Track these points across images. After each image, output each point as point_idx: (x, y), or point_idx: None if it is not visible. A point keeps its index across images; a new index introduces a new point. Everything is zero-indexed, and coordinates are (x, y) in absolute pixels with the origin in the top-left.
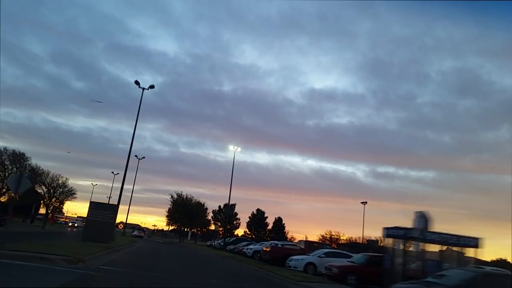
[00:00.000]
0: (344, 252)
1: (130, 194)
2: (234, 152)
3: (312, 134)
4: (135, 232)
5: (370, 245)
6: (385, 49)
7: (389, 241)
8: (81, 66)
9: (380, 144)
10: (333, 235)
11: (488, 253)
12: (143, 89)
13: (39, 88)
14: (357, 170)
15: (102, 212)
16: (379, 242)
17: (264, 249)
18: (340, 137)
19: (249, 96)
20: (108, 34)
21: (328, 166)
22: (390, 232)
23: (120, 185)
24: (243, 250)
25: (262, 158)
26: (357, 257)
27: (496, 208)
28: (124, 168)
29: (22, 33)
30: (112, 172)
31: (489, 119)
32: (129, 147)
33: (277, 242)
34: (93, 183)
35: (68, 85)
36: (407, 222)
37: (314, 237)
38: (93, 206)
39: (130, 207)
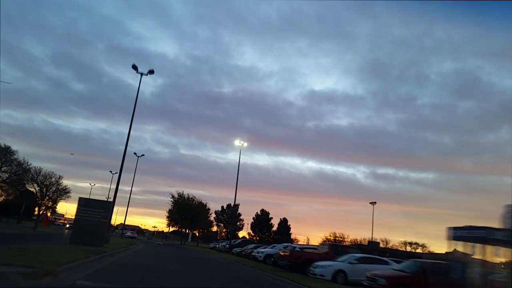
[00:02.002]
0: (379, 257)
1: (129, 194)
2: (240, 147)
3: (312, 136)
4: (128, 233)
5: (371, 246)
6: (385, 51)
7: (456, 245)
8: (81, 68)
9: (380, 146)
10: (338, 237)
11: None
12: (141, 74)
13: (39, 90)
14: (357, 172)
15: (93, 210)
16: (380, 243)
17: (281, 253)
18: (340, 139)
19: (249, 98)
20: (108, 36)
21: (328, 167)
22: (461, 232)
23: (120, 186)
24: (253, 253)
25: (262, 159)
26: (406, 264)
27: (496, 209)
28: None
29: (22, 35)
30: (111, 172)
31: (489, 121)
32: (127, 134)
33: (294, 245)
34: (91, 183)
35: (68, 87)
36: (407, 223)
37: (317, 238)
38: (83, 203)
39: (130, 209)
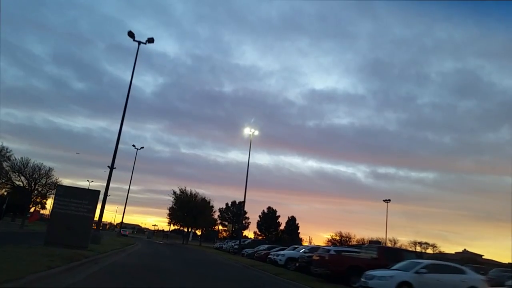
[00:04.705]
0: (451, 264)
1: (130, 193)
2: (250, 136)
3: (313, 135)
4: (120, 231)
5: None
6: (386, 50)
7: None
8: (82, 67)
9: (381, 145)
10: (344, 237)
11: (488, 254)
12: (139, 42)
13: (40, 88)
14: (357, 171)
15: (75, 201)
16: (382, 243)
17: (316, 257)
18: (340, 138)
19: (249, 97)
20: (108, 35)
21: (329, 167)
22: None
23: (119, 185)
24: (270, 256)
25: (262, 158)
26: None
27: (496, 209)
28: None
29: (23, 34)
30: (108, 167)
31: (490, 120)
32: (121, 118)
33: (328, 247)
34: (88, 180)
35: (69, 86)
36: (407, 222)
37: (318, 238)
38: (62, 192)
39: (131, 208)
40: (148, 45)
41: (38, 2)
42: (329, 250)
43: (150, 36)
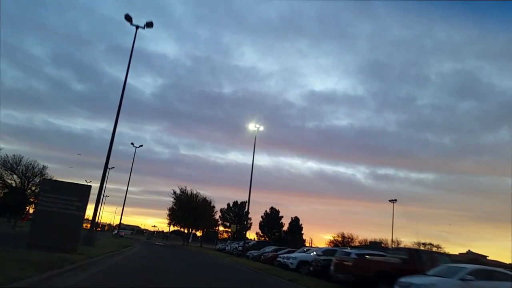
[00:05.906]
0: (500, 270)
1: (129, 193)
2: (255, 132)
3: (312, 136)
4: (118, 232)
5: (373, 247)
6: (385, 51)
7: None
8: (81, 68)
9: (380, 146)
10: (346, 237)
11: (489, 254)
12: (137, 27)
13: (40, 90)
14: (357, 172)
15: (63, 198)
16: (382, 244)
17: (336, 261)
18: (340, 139)
19: (249, 99)
20: (108, 36)
21: (328, 168)
22: None
23: (119, 186)
24: (280, 259)
25: (262, 159)
26: None
27: (496, 210)
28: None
29: (23, 35)
30: (108, 168)
31: (489, 121)
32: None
33: (347, 250)
34: (87, 180)
35: (68, 87)
36: (407, 223)
37: (319, 239)
38: (48, 187)
39: (131, 209)
40: (148, 45)
41: (38, 3)
42: (349, 253)
43: (149, 36)
